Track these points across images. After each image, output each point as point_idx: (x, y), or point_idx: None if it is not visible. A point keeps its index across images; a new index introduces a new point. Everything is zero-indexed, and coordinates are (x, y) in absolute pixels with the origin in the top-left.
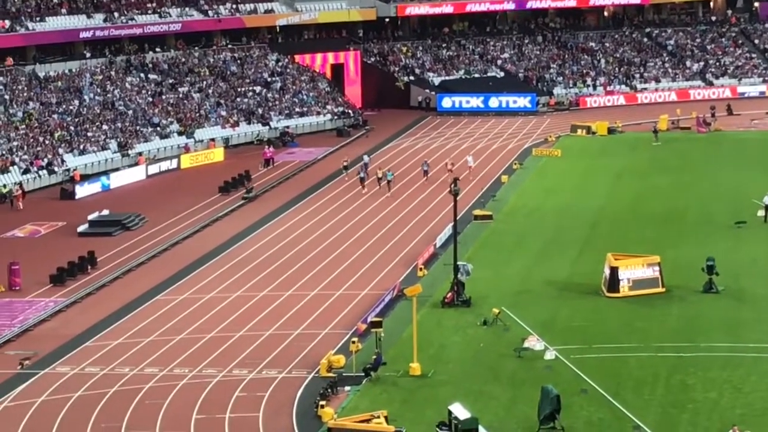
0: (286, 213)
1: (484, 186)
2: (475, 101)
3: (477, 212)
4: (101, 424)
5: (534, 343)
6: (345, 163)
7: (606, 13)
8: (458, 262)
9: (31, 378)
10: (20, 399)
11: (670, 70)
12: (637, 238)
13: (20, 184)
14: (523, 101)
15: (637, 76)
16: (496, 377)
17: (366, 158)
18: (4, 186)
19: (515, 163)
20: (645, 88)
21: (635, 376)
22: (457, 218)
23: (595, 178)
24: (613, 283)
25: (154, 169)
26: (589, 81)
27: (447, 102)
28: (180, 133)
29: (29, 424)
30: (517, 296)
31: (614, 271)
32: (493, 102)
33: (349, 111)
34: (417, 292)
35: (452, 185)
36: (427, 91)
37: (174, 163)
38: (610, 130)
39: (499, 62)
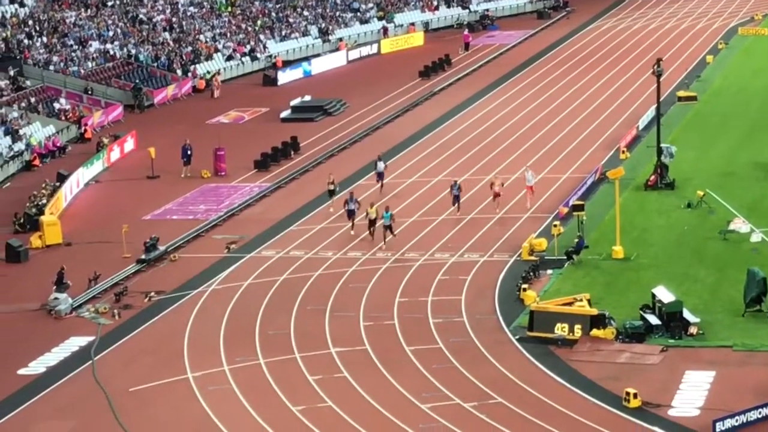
0: (486, 97)
1: (688, 67)
2: None
3: (681, 93)
4: (306, 307)
5: (740, 225)
6: (331, 187)
7: None
8: (662, 144)
9: (238, 261)
10: (227, 282)
11: None
12: None
13: (217, 72)
14: None
15: None
16: (700, 260)
17: (381, 165)
18: (208, 72)
19: (720, 43)
20: None
21: None
22: (661, 99)
23: None
24: None
25: (354, 54)
26: None
27: None
28: (380, 18)
29: (236, 307)
30: (723, 178)
31: None
32: None
33: None
34: (619, 175)
35: (655, 66)
36: None
37: (374, 48)
38: None
39: None
